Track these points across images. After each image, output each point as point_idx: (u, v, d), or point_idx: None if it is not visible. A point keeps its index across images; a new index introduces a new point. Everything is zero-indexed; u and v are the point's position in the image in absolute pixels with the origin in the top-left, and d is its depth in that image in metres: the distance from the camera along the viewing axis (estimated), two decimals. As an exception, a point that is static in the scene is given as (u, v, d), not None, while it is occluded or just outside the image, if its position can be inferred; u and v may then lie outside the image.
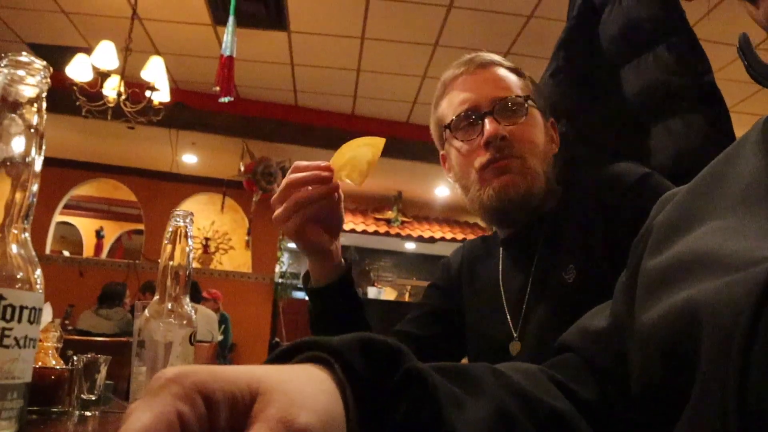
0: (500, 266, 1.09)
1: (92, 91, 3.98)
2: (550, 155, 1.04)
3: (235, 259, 7.98)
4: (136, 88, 4.11)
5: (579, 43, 1.28)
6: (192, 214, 0.80)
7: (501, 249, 1.10)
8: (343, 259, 1.00)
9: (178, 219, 0.78)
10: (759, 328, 0.34)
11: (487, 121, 0.98)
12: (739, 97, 4.64)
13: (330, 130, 6.26)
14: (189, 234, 0.79)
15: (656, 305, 0.45)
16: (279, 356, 0.40)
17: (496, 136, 0.96)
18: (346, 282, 1.00)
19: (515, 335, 1.00)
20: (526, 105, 1.00)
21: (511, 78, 1.04)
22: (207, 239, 7.93)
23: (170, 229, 0.78)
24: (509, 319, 1.02)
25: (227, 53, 2.64)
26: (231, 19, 2.62)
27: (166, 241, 0.78)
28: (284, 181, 0.91)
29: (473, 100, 1.01)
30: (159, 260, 0.78)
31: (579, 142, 1.20)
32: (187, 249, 0.79)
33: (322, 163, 0.90)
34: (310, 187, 0.88)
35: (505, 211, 0.98)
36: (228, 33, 2.62)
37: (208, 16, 4.62)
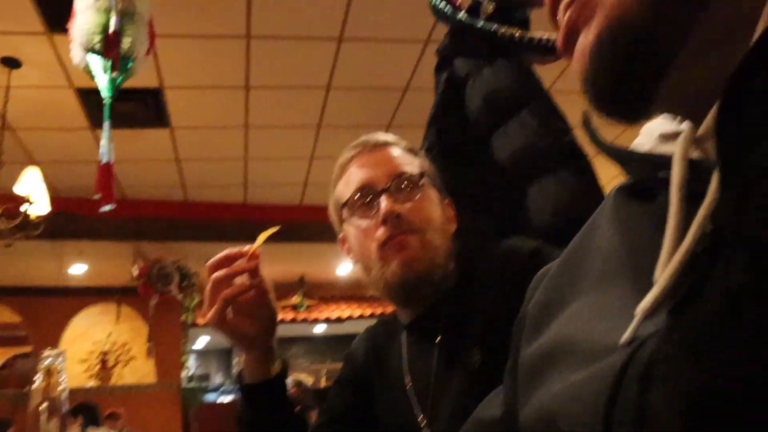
0: (404, 352, 1.07)
1: (-41, 213, 3.70)
2: (448, 234, 1.04)
3: (138, 369, 7.46)
4: (10, 202, 3.85)
5: (448, 118, 1.34)
6: (63, 351, 0.73)
7: (405, 334, 1.08)
8: (280, 361, 1.01)
9: (48, 359, 0.71)
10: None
11: (383, 198, 0.98)
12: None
13: (224, 223, 6.13)
14: (61, 370, 0.72)
15: (528, 403, 0.45)
16: None
17: (392, 213, 0.97)
18: (281, 381, 1.00)
19: (422, 424, 0.98)
20: (420, 183, 1.02)
21: (406, 158, 1.05)
22: (104, 353, 7.39)
23: (39, 374, 0.71)
24: (417, 408, 1.00)
25: (104, 160, 2.55)
26: (106, 124, 2.54)
27: (35, 386, 0.71)
28: (210, 282, 0.93)
29: (369, 177, 1.01)
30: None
31: (464, 213, 1.23)
32: (59, 388, 0.72)
33: (245, 248, 0.95)
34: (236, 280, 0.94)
35: (410, 287, 0.97)
36: (104, 138, 2.54)
37: (84, 119, 4.47)
